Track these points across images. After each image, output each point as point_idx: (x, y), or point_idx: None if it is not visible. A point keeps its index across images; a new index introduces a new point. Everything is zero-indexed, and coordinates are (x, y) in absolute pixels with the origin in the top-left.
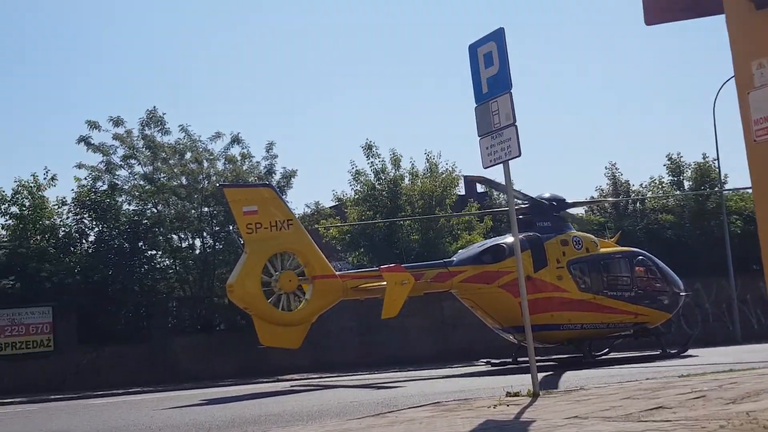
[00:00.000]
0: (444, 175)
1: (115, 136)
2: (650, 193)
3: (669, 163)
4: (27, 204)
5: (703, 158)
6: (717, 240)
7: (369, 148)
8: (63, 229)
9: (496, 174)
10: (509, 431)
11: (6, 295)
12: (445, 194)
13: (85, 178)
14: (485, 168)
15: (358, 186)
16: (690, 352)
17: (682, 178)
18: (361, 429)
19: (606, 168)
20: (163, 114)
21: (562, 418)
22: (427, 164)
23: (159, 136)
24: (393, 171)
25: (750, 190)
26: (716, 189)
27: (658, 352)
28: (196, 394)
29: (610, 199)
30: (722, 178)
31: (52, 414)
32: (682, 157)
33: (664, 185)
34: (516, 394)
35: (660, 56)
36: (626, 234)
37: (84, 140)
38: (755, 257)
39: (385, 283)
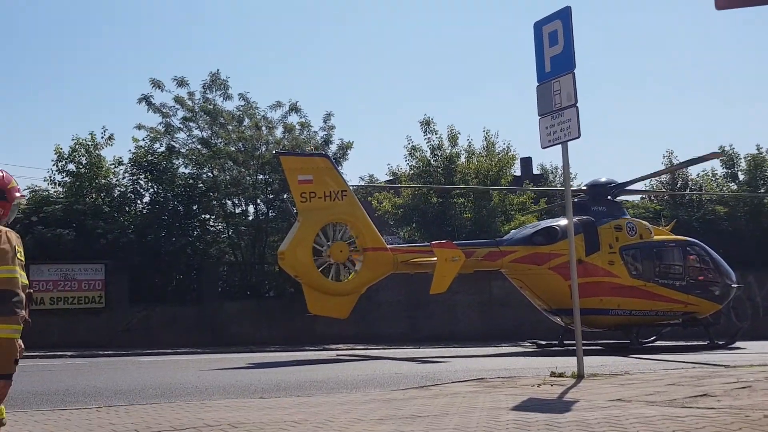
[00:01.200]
0: (500, 155)
1: (177, 98)
2: (705, 185)
3: (722, 155)
4: (84, 162)
5: (757, 149)
6: None
7: (427, 124)
8: (118, 188)
9: (556, 152)
10: (552, 410)
11: (61, 246)
12: (500, 174)
13: (143, 139)
14: (543, 148)
15: (414, 161)
16: (738, 344)
17: (736, 170)
18: (404, 399)
19: (664, 156)
20: (227, 78)
21: (605, 400)
22: (485, 143)
23: (220, 100)
24: (449, 148)
25: None
26: None
27: (705, 343)
28: (242, 358)
29: (665, 190)
30: None
31: (101, 369)
32: (734, 148)
33: (717, 177)
34: (561, 375)
35: (724, 44)
36: (681, 223)
37: (145, 99)
38: None
39: (435, 258)
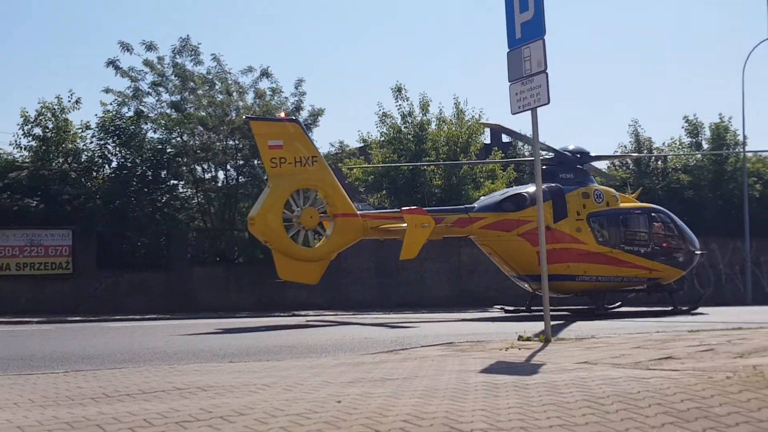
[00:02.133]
0: (470, 122)
1: (146, 62)
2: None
3: (686, 124)
4: (50, 126)
5: (720, 118)
6: (735, 202)
7: (398, 91)
8: (86, 153)
9: (525, 120)
10: (520, 372)
11: (28, 214)
12: (470, 141)
13: (111, 104)
14: (513, 114)
15: (384, 128)
16: (701, 310)
17: (700, 138)
18: (374, 363)
19: (629, 125)
20: (198, 44)
21: (572, 362)
22: (455, 110)
23: (191, 65)
24: (420, 115)
25: None
26: (737, 150)
27: (669, 309)
28: (211, 323)
29: (633, 154)
30: (744, 138)
31: (69, 335)
32: (698, 118)
33: (683, 146)
34: (528, 339)
35: (689, 17)
36: (647, 191)
37: (113, 63)
38: None
39: (405, 224)
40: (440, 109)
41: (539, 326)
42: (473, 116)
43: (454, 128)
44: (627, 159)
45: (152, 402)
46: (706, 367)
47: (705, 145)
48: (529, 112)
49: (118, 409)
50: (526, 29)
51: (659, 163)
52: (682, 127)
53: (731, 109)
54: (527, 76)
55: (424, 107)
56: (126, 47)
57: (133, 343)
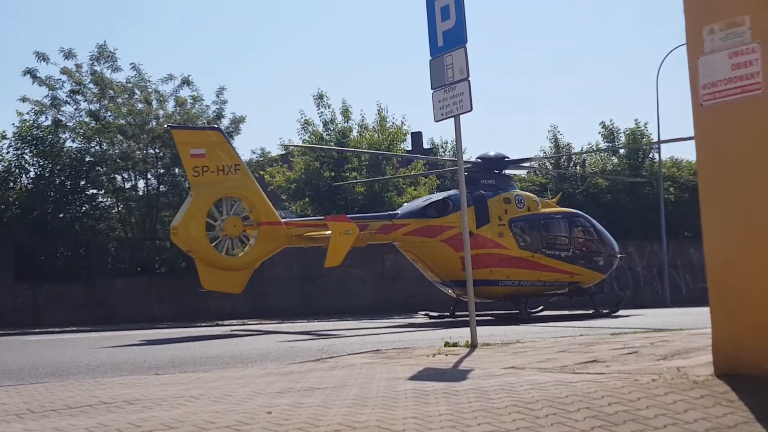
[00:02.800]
0: (392, 129)
1: (63, 71)
2: (588, 158)
3: (603, 130)
4: None
5: (636, 124)
6: (651, 206)
7: (320, 98)
8: (2, 164)
9: (446, 128)
10: (449, 379)
11: None
12: (392, 148)
13: (28, 113)
14: (437, 121)
15: (306, 136)
16: (621, 312)
17: (616, 144)
18: (301, 372)
19: (548, 130)
20: (115, 50)
21: (499, 368)
22: (377, 116)
23: (109, 72)
24: (342, 122)
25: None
26: (650, 155)
27: (591, 312)
28: (134, 335)
29: (550, 164)
30: (659, 142)
31: None
32: (614, 123)
33: (600, 151)
34: (455, 345)
35: (609, 21)
36: (566, 196)
37: (30, 72)
38: (687, 224)
39: (329, 232)
40: (362, 116)
41: (464, 332)
42: (395, 123)
43: (376, 135)
44: (546, 164)
45: (79, 417)
46: (631, 369)
47: (621, 151)
48: (452, 119)
49: (45, 426)
50: (448, 37)
51: (578, 168)
52: (599, 133)
53: (648, 115)
54: (450, 84)
55: (346, 114)
56: (42, 57)
57: (56, 357)
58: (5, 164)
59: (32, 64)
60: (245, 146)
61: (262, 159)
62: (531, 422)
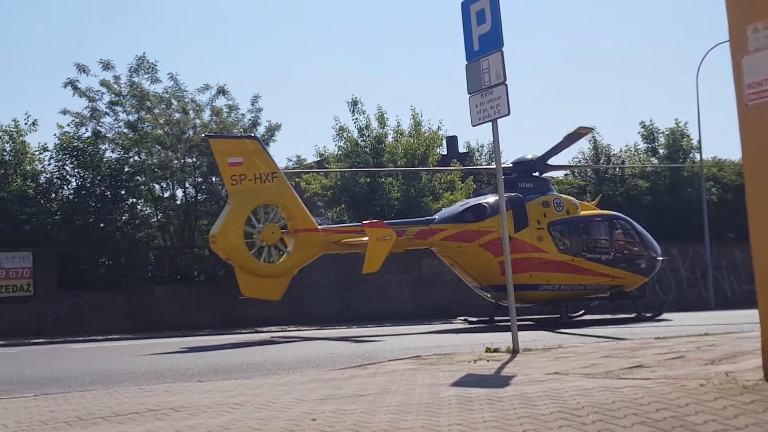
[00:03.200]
0: (428, 134)
1: (102, 82)
2: (627, 159)
3: (643, 130)
4: (8, 149)
5: (676, 124)
6: (694, 207)
7: (354, 104)
8: (44, 175)
9: (481, 131)
10: (492, 385)
11: None
12: (427, 153)
13: (68, 125)
14: (474, 125)
15: (342, 142)
16: (664, 316)
17: (656, 144)
18: (343, 379)
19: None
20: (156, 62)
21: (543, 373)
22: (412, 122)
23: (148, 84)
24: (378, 128)
25: (725, 158)
26: (691, 154)
27: (633, 315)
28: (175, 342)
29: (591, 165)
30: (701, 143)
31: (34, 357)
32: (654, 123)
33: (639, 152)
34: (496, 351)
35: (646, 22)
36: (606, 198)
37: (71, 83)
38: (731, 225)
39: (367, 238)
40: (398, 122)
41: (504, 337)
42: (430, 128)
43: (411, 141)
44: (586, 167)
45: (127, 425)
46: (677, 374)
47: (661, 151)
48: (490, 123)
49: None
50: (483, 41)
51: (617, 169)
52: (639, 133)
53: (688, 115)
54: (486, 88)
55: (381, 120)
56: (82, 69)
57: (100, 365)
58: (47, 175)
59: (71, 75)
60: (281, 153)
61: (297, 166)
62: (577, 429)
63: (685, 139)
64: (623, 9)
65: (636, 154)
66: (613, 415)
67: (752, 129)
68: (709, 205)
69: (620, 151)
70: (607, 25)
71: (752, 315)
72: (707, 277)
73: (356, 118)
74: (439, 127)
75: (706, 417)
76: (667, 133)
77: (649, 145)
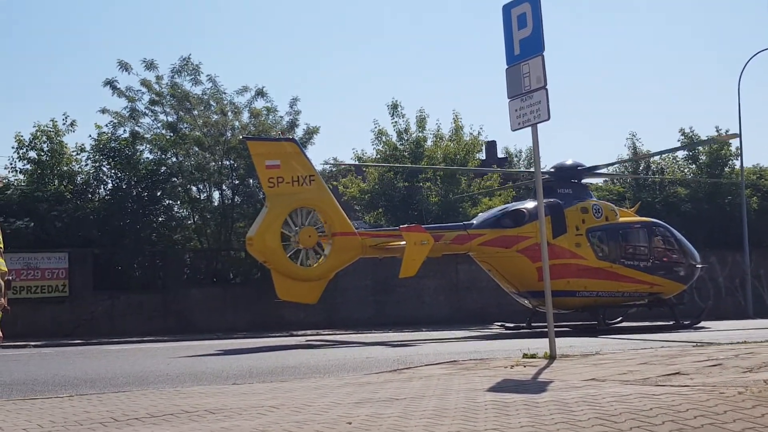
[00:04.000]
0: (468, 139)
1: (143, 82)
2: (667, 167)
3: (682, 138)
4: (45, 149)
5: (717, 131)
6: (733, 215)
7: (395, 107)
8: (81, 175)
9: (520, 136)
10: (528, 390)
11: (20, 236)
12: (467, 158)
13: (107, 125)
14: (513, 130)
15: (380, 146)
16: (703, 324)
17: (696, 152)
18: (379, 383)
19: (627, 138)
20: (199, 63)
21: (580, 379)
22: (453, 126)
23: (190, 85)
24: (417, 132)
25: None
26: (730, 162)
27: (671, 323)
28: (211, 345)
29: (629, 174)
30: (742, 151)
31: (68, 358)
32: (694, 131)
33: (678, 159)
34: (533, 356)
35: (686, 25)
36: (644, 205)
37: (110, 83)
38: None
39: (404, 242)
40: (438, 126)
41: (541, 343)
42: (471, 133)
43: (451, 145)
44: (624, 172)
45: (162, 426)
46: (716, 382)
47: (702, 158)
48: (530, 128)
49: None
50: (524, 45)
51: (656, 176)
52: (678, 140)
53: (729, 122)
54: (527, 93)
55: (421, 123)
56: (125, 66)
57: (135, 366)
58: (84, 176)
59: (112, 74)
60: (319, 156)
61: (335, 169)
62: None
63: (725, 148)
64: (663, 14)
65: (675, 161)
66: (651, 421)
67: None
68: (748, 213)
69: (660, 158)
70: (648, 28)
71: None
72: (746, 285)
73: (395, 122)
74: (479, 132)
75: (744, 425)
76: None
77: (689, 153)
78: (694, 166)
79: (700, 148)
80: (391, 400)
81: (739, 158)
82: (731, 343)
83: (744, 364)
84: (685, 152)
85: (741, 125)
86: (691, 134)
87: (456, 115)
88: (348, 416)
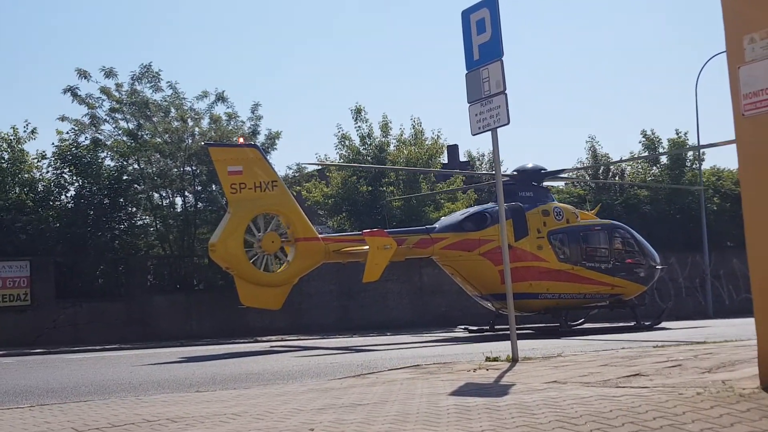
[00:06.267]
0: (429, 144)
1: (102, 89)
2: (629, 168)
3: (644, 139)
4: (6, 157)
5: (677, 134)
6: (692, 216)
7: (358, 112)
8: (42, 183)
9: (482, 140)
10: (490, 394)
11: None
12: (429, 162)
13: (68, 132)
14: (474, 135)
15: (344, 150)
16: (663, 324)
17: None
18: (342, 389)
19: (586, 141)
20: (160, 71)
21: (541, 382)
22: (413, 131)
23: (150, 92)
24: (380, 137)
25: (724, 167)
26: (693, 166)
27: (632, 324)
28: (174, 352)
29: (588, 175)
30: (699, 154)
31: (30, 368)
32: (656, 133)
33: (639, 162)
34: (495, 359)
35: (644, 30)
36: (605, 207)
37: (71, 90)
38: (729, 234)
39: (367, 247)
40: (401, 131)
41: (504, 345)
42: (432, 137)
43: (414, 150)
44: (585, 175)
45: None
46: (675, 383)
47: (663, 159)
48: (490, 132)
49: None
50: (483, 50)
51: (617, 178)
52: (640, 142)
53: (687, 124)
54: (486, 97)
55: (385, 129)
56: (83, 74)
57: (98, 375)
58: (45, 183)
59: (72, 82)
60: (282, 162)
61: (298, 174)
62: None
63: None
64: (622, 17)
65: (637, 163)
66: (611, 423)
67: (748, 138)
68: (708, 214)
69: (620, 159)
70: (607, 33)
71: (749, 323)
72: (706, 285)
73: (359, 126)
74: (438, 136)
75: (703, 425)
76: (669, 143)
77: (649, 153)
78: (655, 168)
79: (660, 149)
80: (354, 406)
81: (698, 160)
82: (691, 344)
83: (703, 364)
84: (645, 154)
85: (699, 127)
86: (652, 136)
87: (414, 121)
88: (311, 422)
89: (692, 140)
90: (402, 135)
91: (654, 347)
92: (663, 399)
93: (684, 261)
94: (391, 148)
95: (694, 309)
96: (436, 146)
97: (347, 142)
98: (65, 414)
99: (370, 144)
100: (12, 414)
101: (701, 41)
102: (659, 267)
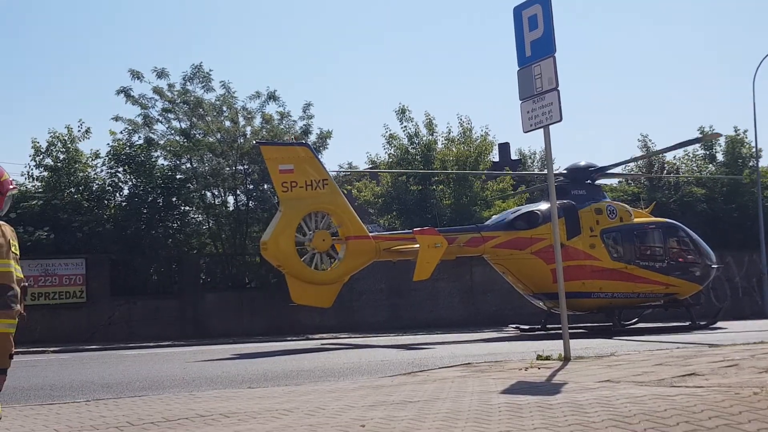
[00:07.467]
0: (478, 141)
1: (155, 90)
2: (683, 165)
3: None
4: (61, 156)
5: (735, 131)
6: (750, 215)
7: (402, 112)
8: (96, 182)
9: (534, 138)
10: (542, 392)
11: (40, 245)
12: (479, 160)
13: (121, 132)
14: (525, 132)
15: (392, 150)
16: (719, 324)
17: (714, 151)
18: (393, 386)
19: (638, 140)
20: (210, 71)
21: (594, 381)
22: (461, 129)
23: (202, 92)
24: (427, 135)
25: None
26: (751, 163)
27: (687, 324)
28: (226, 349)
29: (643, 174)
30: (757, 151)
31: (86, 363)
32: (714, 130)
33: (697, 158)
34: (547, 358)
35: (698, 28)
36: (660, 206)
37: (124, 91)
38: None
39: (418, 245)
40: (448, 129)
41: (556, 344)
42: (481, 135)
43: (462, 147)
44: (638, 173)
45: (177, 430)
46: (731, 383)
47: (719, 157)
48: (542, 129)
49: None
50: (535, 47)
51: (671, 175)
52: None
53: (745, 121)
54: (538, 94)
55: (430, 127)
56: (136, 75)
57: (151, 371)
58: (100, 183)
59: (125, 83)
60: (333, 161)
61: (349, 174)
62: None
63: (745, 147)
64: (680, 14)
65: (694, 160)
66: (665, 423)
67: None
68: (765, 213)
69: (674, 158)
70: (663, 30)
71: None
72: (763, 285)
73: (405, 126)
74: (487, 133)
75: (760, 425)
76: (727, 141)
77: (707, 152)
78: (712, 165)
79: (718, 146)
80: (405, 403)
81: (756, 158)
82: (747, 344)
83: (760, 364)
84: (703, 151)
85: (756, 125)
86: (711, 133)
87: (462, 119)
88: (361, 419)
89: (750, 137)
90: (449, 133)
91: (709, 347)
92: (719, 399)
93: (740, 260)
94: (439, 145)
95: (750, 309)
96: (485, 144)
97: (395, 142)
98: (120, 408)
99: (418, 143)
100: (69, 408)
101: (757, 39)
102: (715, 266)
